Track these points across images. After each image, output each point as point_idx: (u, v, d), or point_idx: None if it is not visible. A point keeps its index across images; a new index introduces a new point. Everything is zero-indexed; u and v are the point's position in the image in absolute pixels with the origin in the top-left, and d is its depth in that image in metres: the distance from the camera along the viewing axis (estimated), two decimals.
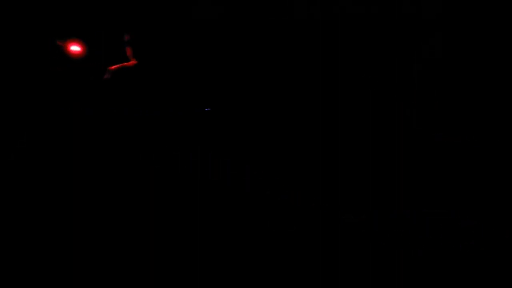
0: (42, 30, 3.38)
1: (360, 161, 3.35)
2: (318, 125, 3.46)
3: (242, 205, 2.99)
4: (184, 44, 3.52)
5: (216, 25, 3.56)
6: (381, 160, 3.33)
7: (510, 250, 2.79)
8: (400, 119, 3.49)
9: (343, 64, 3.55)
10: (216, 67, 3.57)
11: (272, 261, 2.72)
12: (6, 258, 2.69)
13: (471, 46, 3.60)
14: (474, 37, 3.62)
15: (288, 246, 2.82)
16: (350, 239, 2.88)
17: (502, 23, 3.57)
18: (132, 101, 2.95)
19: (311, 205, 3.03)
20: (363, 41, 3.55)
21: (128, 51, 2.97)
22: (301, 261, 2.74)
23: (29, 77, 3.33)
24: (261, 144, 3.35)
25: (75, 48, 3.10)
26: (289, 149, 3.37)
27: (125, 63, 2.99)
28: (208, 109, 3.08)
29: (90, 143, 3.02)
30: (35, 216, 2.95)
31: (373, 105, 3.53)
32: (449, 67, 3.64)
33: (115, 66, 2.95)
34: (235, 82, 3.53)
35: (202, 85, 3.57)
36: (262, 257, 2.74)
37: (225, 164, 3.10)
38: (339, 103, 3.53)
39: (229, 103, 3.48)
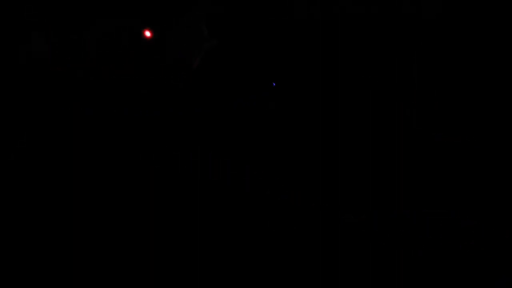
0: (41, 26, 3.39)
1: (360, 161, 3.35)
2: (318, 125, 3.46)
3: (242, 205, 2.99)
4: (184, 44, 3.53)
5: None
6: (381, 160, 3.33)
7: (510, 250, 2.79)
8: (400, 119, 3.49)
9: (343, 64, 3.55)
10: (215, 67, 3.57)
11: (272, 261, 2.72)
12: (6, 258, 2.69)
13: (471, 46, 3.60)
14: (475, 37, 3.62)
15: (288, 246, 2.82)
16: (350, 239, 2.88)
17: (502, 23, 3.57)
18: (132, 101, 2.95)
19: (311, 205, 3.04)
20: (363, 41, 3.55)
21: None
22: (301, 261, 2.74)
23: (29, 77, 3.33)
24: (261, 144, 3.35)
25: (147, 33, 3.14)
26: (289, 149, 3.37)
27: None
28: (274, 84, 3.08)
29: (90, 143, 3.02)
30: (36, 216, 2.95)
31: (373, 105, 3.53)
32: (449, 67, 3.64)
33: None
34: (235, 82, 3.53)
35: (202, 85, 3.57)
36: (262, 257, 2.74)
37: (225, 164, 3.10)
38: (339, 103, 3.53)
39: (229, 103, 3.48)
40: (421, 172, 3.34)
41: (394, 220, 3.00)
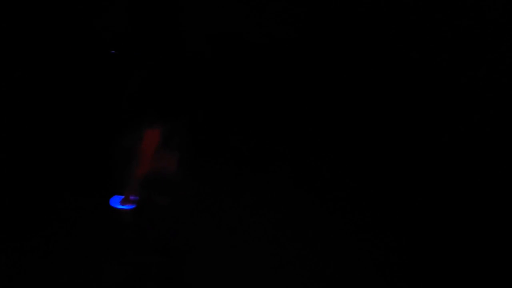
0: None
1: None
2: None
3: None
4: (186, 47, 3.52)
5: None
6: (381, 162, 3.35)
7: (510, 250, 2.81)
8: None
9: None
10: (216, 68, 3.58)
11: None
12: (6, 258, 2.69)
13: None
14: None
15: None
16: None
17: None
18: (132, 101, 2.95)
19: None
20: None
21: None
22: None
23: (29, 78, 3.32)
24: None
25: None
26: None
27: None
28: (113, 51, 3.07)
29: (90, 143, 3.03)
30: (34, 215, 2.95)
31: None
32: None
33: None
34: (236, 82, 3.53)
35: (204, 87, 3.57)
36: None
37: None
38: None
39: (230, 104, 3.49)
40: (421, 171, 3.35)
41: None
